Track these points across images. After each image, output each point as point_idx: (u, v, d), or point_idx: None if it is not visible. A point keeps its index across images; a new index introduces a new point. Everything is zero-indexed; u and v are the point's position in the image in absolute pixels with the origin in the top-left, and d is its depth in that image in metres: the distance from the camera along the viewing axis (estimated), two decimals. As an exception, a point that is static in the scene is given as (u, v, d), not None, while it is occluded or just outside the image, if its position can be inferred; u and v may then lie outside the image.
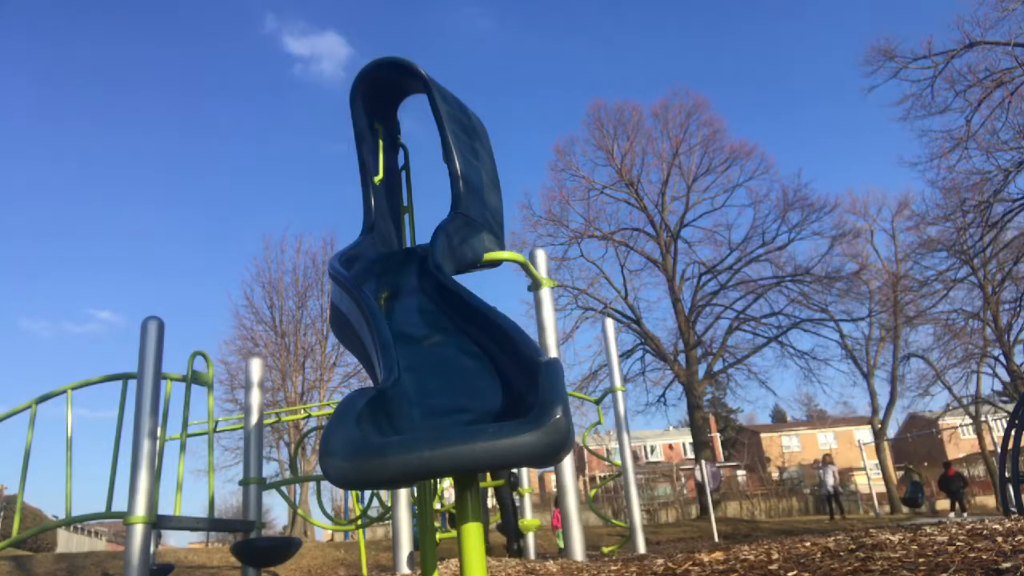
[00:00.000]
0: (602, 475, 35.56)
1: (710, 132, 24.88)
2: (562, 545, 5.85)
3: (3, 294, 55.90)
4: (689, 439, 34.15)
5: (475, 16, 78.32)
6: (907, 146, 59.20)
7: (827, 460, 19.65)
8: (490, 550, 7.67)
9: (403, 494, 5.07)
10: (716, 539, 12.84)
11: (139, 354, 4.16)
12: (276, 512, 51.92)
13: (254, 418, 5.36)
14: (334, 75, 72.32)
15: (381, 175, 3.24)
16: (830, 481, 18.62)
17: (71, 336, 73.02)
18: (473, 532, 1.65)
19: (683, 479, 35.60)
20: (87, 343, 72.63)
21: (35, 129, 59.75)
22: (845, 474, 34.01)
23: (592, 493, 9.14)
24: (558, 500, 4.98)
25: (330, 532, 21.09)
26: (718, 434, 47.76)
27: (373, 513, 6.71)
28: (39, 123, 59.17)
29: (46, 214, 58.93)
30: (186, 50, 63.20)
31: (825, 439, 49.19)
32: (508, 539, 7.87)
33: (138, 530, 3.77)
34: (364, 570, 7.59)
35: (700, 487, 19.29)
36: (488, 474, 6.84)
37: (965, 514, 15.72)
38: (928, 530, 2.82)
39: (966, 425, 26.19)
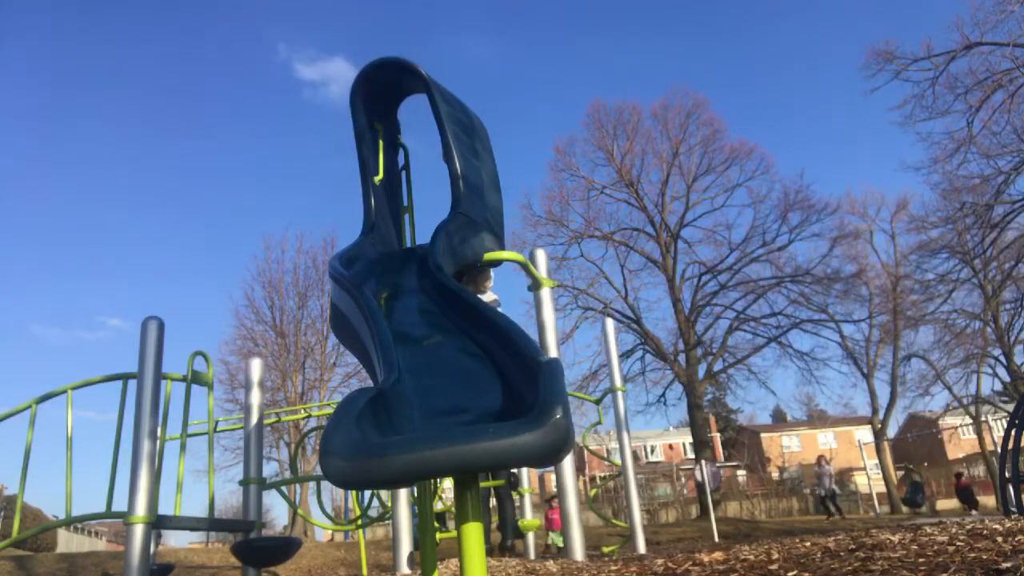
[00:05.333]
0: (602, 475, 35.53)
1: (710, 132, 24.92)
2: (559, 546, 5.85)
3: (15, 300, 56.00)
4: (689, 439, 34.14)
5: (477, 42, 79.28)
6: (908, 148, 59.36)
7: (821, 461, 19.68)
8: (491, 550, 7.66)
9: (403, 494, 5.06)
10: (716, 539, 12.82)
11: (139, 354, 4.16)
12: (276, 512, 51.87)
13: (254, 418, 5.36)
14: (340, 94, 72.89)
15: (381, 175, 3.23)
16: (827, 483, 18.63)
17: (82, 343, 73.13)
18: (473, 532, 1.65)
19: (683, 479, 35.59)
20: (98, 349, 72.73)
21: (39, 130, 59.85)
22: (845, 474, 34.00)
23: (592, 493, 9.11)
24: (552, 500, 4.98)
25: (330, 532, 21.09)
26: (718, 434, 47.79)
27: (373, 513, 6.71)
28: (47, 123, 59.32)
29: (47, 216, 58.98)
30: (194, 57, 63.39)
31: (825, 439, 49.16)
32: (503, 536, 7.88)
33: (138, 530, 3.77)
34: (364, 570, 7.58)
35: (700, 487, 19.27)
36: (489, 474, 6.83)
37: (975, 512, 17.52)
38: (928, 530, 2.82)
39: (966, 425, 26.18)
